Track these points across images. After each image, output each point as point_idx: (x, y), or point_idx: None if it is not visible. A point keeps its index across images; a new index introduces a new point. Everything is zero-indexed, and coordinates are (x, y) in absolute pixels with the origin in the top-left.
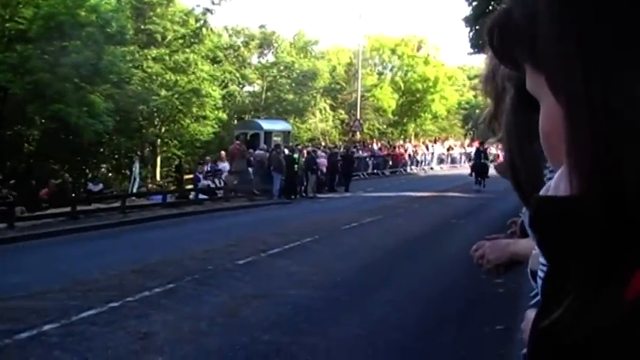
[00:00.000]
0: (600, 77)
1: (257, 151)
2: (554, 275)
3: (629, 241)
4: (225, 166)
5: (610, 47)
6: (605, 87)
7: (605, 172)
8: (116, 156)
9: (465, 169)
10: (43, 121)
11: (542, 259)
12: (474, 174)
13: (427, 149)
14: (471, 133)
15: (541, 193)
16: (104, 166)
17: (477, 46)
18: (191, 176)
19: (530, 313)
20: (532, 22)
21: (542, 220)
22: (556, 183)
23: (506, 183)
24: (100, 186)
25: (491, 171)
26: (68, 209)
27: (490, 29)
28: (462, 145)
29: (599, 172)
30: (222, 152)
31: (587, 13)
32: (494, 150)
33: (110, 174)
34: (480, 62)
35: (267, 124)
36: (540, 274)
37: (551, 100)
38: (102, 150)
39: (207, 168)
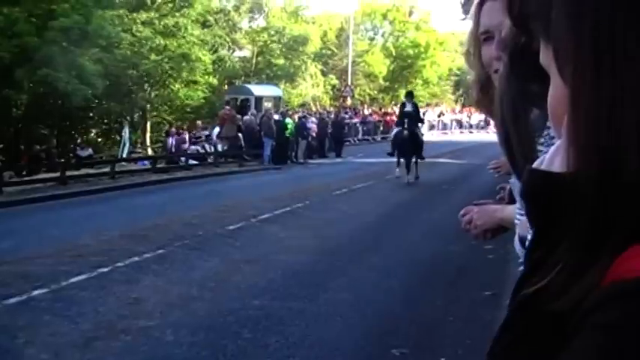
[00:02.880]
0: (608, 50)
1: (247, 117)
2: (540, 246)
3: (618, 222)
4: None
5: (622, 29)
6: (613, 61)
7: (602, 149)
8: (106, 121)
9: (456, 135)
10: (31, 85)
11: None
12: (396, 152)
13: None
14: (462, 99)
15: (534, 165)
16: (94, 131)
17: (469, 12)
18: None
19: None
20: None
21: (533, 194)
22: (551, 156)
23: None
24: (89, 151)
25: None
26: (57, 174)
27: (509, 3)
28: (453, 111)
29: (597, 147)
30: (172, 129)
31: None
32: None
33: (100, 139)
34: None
35: (257, 90)
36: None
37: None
38: (91, 115)
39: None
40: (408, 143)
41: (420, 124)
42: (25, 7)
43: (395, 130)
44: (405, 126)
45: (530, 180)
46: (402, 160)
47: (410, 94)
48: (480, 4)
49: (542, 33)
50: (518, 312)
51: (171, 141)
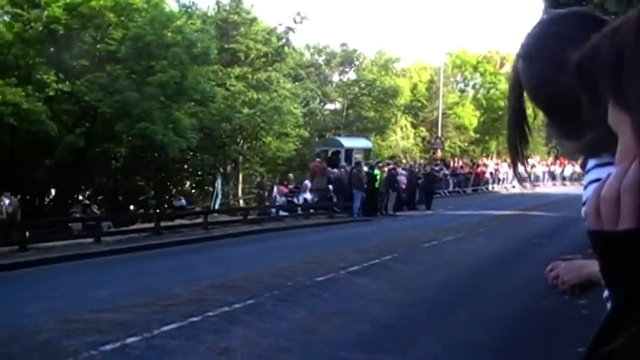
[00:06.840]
0: None
1: (338, 169)
2: (616, 306)
3: None
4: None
5: None
6: None
7: None
8: (199, 172)
9: (547, 187)
10: (129, 138)
11: None
12: None
13: (509, 167)
14: (555, 151)
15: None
16: (187, 182)
17: None
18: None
19: None
20: (619, 59)
21: (603, 255)
22: (610, 211)
23: None
24: (183, 202)
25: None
26: (152, 225)
27: (578, 62)
28: (546, 164)
29: None
30: (268, 182)
31: None
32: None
33: (193, 190)
34: None
35: (348, 142)
36: None
37: (628, 138)
38: (185, 167)
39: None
40: None
41: None
42: (126, 64)
43: None
44: None
45: (597, 242)
46: None
47: None
48: None
49: (611, 94)
50: None
51: (275, 191)
